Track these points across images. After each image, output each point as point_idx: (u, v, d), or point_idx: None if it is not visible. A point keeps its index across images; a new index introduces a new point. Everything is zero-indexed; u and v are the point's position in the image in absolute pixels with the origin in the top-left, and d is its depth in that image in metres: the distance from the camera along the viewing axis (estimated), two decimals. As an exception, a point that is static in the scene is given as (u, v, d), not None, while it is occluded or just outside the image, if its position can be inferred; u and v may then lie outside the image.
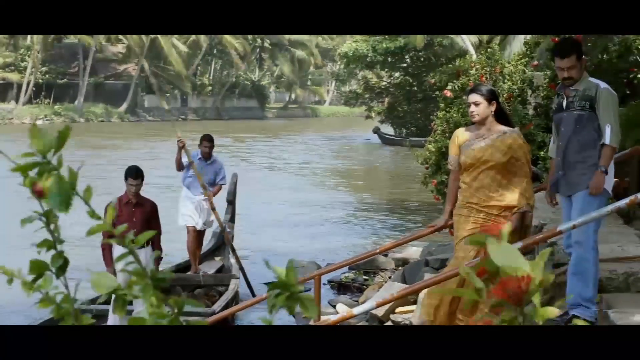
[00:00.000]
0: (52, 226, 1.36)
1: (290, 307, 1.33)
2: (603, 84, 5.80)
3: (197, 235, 11.00)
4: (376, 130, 45.28)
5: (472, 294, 1.28)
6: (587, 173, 5.67)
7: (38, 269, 1.37)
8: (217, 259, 11.80)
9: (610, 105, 5.70)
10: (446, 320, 5.99)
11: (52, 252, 1.42)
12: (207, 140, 11.05)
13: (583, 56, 5.81)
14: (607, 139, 5.60)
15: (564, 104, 5.84)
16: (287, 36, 76.76)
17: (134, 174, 8.50)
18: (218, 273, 11.08)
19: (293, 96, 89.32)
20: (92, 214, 1.36)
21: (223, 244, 11.74)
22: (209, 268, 11.23)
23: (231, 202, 11.70)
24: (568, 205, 5.87)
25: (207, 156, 11.00)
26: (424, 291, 6.64)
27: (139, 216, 8.44)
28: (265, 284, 11.62)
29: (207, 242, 11.79)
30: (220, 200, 11.47)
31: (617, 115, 5.76)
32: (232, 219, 11.67)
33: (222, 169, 11.09)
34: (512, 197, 5.94)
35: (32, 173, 1.32)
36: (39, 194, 1.29)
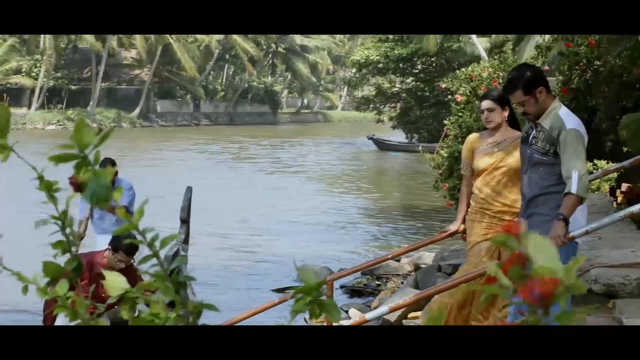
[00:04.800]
0: (67, 230, 1.37)
1: (313, 312, 1.32)
2: (570, 123, 4.99)
3: None
4: (371, 137, 45.36)
5: (497, 291, 1.27)
6: (549, 221, 4.99)
7: (52, 271, 1.38)
8: None
9: (577, 148, 4.93)
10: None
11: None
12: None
13: (537, 87, 5.00)
14: (573, 187, 4.83)
15: (531, 136, 5.17)
16: (299, 42, 76.88)
17: (127, 249, 6.52)
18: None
19: (305, 101, 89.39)
20: (123, 214, 1.36)
21: (179, 269, 9.95)
22: None
23: (185, 220, 9.74)
24: None
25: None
26: (433, 299, 6.62)
27: None
28: (278, 290, 11.62)
29: None
30: (168, 211, 10.23)
31: (584, 158, 4.98)
32: (186, 240, 9.68)
33: (126, 193, 9.06)
34: (524, 202, 5.93)
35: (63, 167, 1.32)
36: (77, 187, 1.29)
